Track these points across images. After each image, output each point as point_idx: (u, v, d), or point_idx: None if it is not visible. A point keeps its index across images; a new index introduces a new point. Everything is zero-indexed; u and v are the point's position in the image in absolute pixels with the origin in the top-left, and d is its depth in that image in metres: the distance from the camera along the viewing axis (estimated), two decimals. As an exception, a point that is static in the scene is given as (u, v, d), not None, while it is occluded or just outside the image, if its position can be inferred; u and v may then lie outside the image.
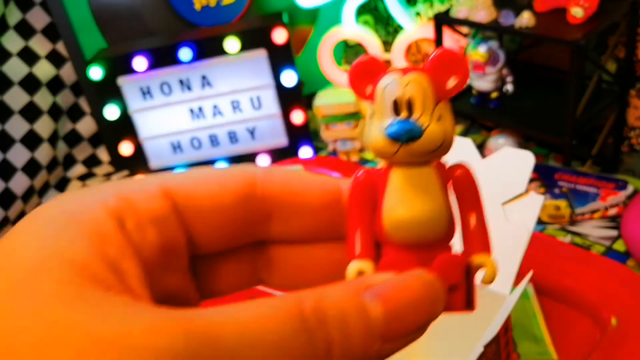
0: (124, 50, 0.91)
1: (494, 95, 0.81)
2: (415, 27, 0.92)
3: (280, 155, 0.93)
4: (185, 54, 0.89)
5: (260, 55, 0.90)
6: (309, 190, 0.18)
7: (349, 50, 1.02)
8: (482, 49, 0.78)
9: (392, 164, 0.16)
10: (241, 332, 0.13)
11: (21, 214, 0.92)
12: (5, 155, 0.92)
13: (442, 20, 0.79)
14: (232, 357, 0.13)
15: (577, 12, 0.68)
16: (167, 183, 0.17)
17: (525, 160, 0.40)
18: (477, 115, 0.86)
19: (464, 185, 0.17)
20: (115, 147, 0.97)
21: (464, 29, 0.84)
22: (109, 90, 0.92)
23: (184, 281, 0.17)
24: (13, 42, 0.91)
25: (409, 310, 0.15)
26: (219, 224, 0.17)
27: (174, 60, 0.90)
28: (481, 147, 0.86)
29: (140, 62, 0.89)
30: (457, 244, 0.17)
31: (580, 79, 0.68)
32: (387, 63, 0.95)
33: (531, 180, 0.72)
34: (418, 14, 0.94)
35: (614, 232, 0.67)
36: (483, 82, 0.80)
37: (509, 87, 0.81)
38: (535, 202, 0.39)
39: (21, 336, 0.12)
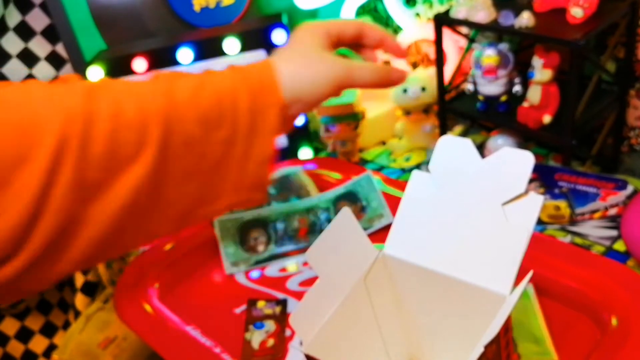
0: (123, 52, 0.91)
1: (504, 98, 0.80)
2: (414, 28, 0.92)
3: (280, 156, 0.93)
4: (184, 55, 0.89)
5: (260, 57, 0.90)
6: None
7: (348, 51, 1.02)
8: (492, 53, 0.77)
9: None
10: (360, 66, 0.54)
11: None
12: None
13: (442, 21, 0.79)
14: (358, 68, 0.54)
15: (576, 13, 0.68)
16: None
17: (524, 161, 0.40)
18: (478, 116, 0.86)
19: None
20: (115, 148, 0.96)
21: (464, 30, 0.84)
22: (108, 92, 0.92)
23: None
24: (13, 43, 0.91)
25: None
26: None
27: (174, 62, 0.90)
28: (481, 148, 0.86)
29: (139, 64, 0.89)
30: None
31: (579, 79, 0.68)
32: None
33: (531, 181, 0.72)
34: (417, 14, 0.94)
35: (614, 232, 0.67)
36: (493, 87, 0.79)
37: (518, 88, 0.79)
38: (535, 202, 0.39)
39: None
